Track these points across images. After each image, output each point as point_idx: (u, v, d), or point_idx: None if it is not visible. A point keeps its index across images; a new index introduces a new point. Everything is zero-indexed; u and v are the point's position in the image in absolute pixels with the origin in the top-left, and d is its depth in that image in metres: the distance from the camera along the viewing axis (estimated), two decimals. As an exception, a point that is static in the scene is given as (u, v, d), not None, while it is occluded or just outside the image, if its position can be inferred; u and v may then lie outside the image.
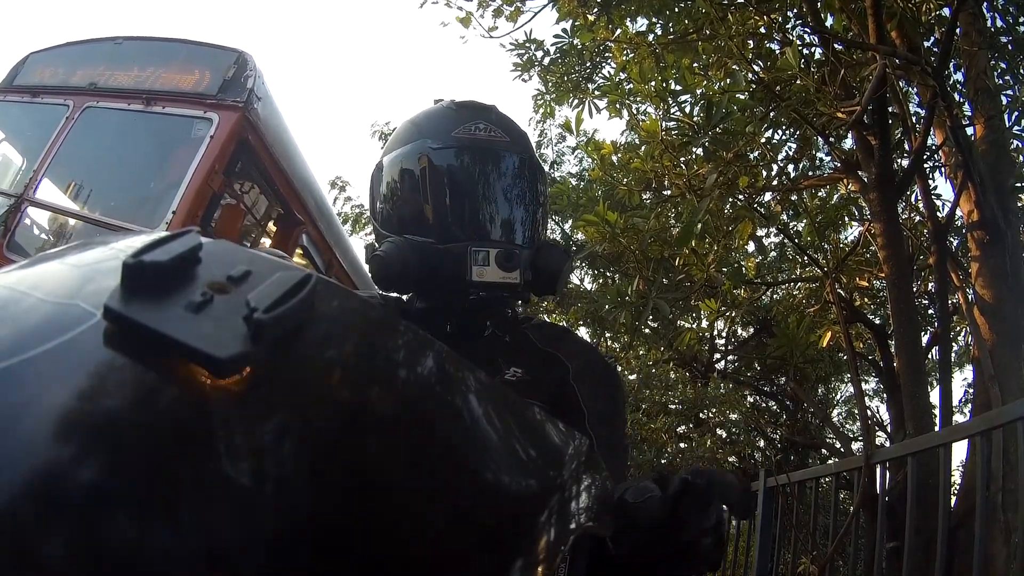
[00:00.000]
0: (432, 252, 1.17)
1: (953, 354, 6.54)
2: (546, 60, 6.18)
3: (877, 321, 6.20)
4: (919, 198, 5.34)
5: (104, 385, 0.41)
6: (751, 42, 5.24)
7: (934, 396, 4.63)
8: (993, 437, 2.63)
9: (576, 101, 5.97)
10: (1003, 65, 4.99)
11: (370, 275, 1.27)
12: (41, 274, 0.52)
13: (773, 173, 5.86)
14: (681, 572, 0.82)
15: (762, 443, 9.86)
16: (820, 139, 5.44)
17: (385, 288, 1.24)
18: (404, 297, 1.30)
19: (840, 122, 4.52)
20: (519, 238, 1.23)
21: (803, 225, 6.62)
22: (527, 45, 6.13)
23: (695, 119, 4.42)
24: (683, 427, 9.54)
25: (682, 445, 9.25)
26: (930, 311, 6.75)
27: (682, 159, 4.89)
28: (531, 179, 1.27)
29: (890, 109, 4.61)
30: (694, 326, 7.92)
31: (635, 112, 5.62)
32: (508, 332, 1.25)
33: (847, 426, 11.68)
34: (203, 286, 0.45)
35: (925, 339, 5.45)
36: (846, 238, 6.93)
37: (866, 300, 7.02)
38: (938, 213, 5.02)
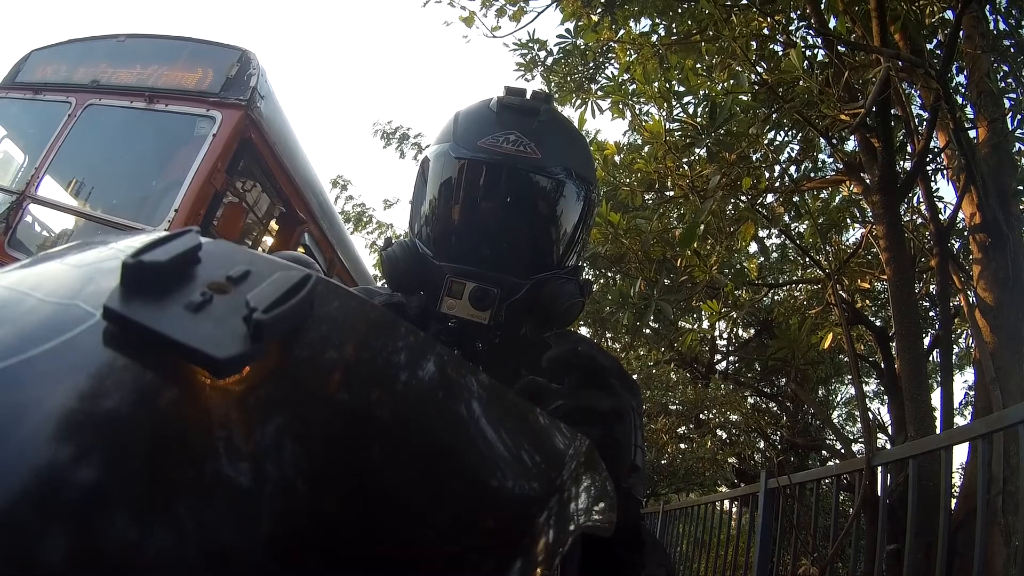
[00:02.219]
0: (427, 265, 1.15)
1: (954, 356, 6.55)
2: (549, 60, 6.18)
3: (878, 323, 6.21)
4: (921, 200, 5.35)
5: (104, 385, 0.41)
6: (755, 44, 5.24)
7: (935, 398, 4.65)
8: (994, 440, 2.63)
9: (579, 101, 5.97)
10: (1006, 68, 4.99)
11: (381, 270, 1.25)
12: (41, 274, 0.51)
13: (776, 175, 5.86)
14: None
15: (762, 444, 9.87)
16: (823, 141, 5.44)
17: (391, 287, 1.22)
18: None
19: (843, 124, 4.52)
20: (519, 268, 1.14)
21: (805, 227, 6.64)
22: (530, 45, 6.14)
23: (698, 120, 4.42)
24: (683, 428, 9.55)
25: (682, 446, 9.27)
26: (932, 313, 6.76)
27: (685, 160, 4.90)
28: (555, 201, 1.17)
29: (893, 111, 4.61)
30: (695, 327, 7.91)
31: (638, 113, 5.61)
32: (530, 342, 1.19)
33: (848, 428, 11.72)
34: (203, 286, 0.45)
35: (926, 341, 5.46)
36: (848, 240, 6.96)
37: (868, 302, 7.03)
38: (940, 216, 5.02)
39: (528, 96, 1.23)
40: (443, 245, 1.17)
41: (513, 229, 1.15)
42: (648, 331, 7.93)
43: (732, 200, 5.08)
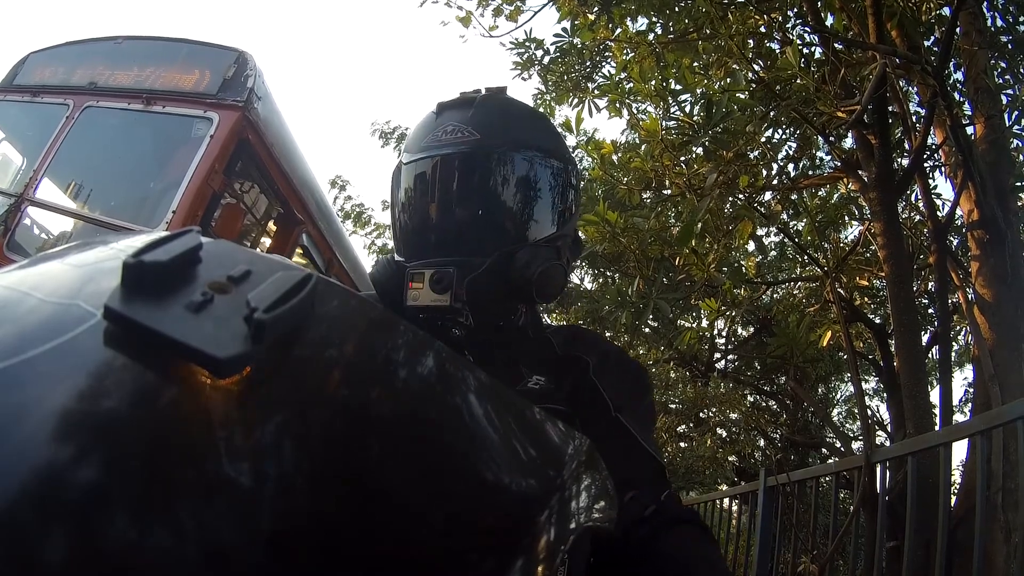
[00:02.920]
0: (403, 271, 1.15)
1: (953, 353, 6.55)
2: (546, 59, 6.17)
3: (877, 320, 6.20)
4: (919, 197, 5.35)
5: (104, 385, 0.41)
6: (751, 41, 5.24)
7: (934, 395, 4.64)
8: (993, 436, 2.63)
9: (576, 100, 5.96)
10: (1003, 64, 4.99)
11: None
12: (41, 274, 0.51)
13: (773, 172, 5.87)
14: None
15: (762, 442, 9.88)
16: (820, 138, 5.44)
17: (383, 303, 1.20)
18: None
19: (840, 121, 4.52)
20: (482, 249, 1.13)
21: (803, 224, 6.63)
22: (527, 44, 6.13)
23: (695, 118, 4.42)
24: (683, 427, 9.55)
25: (682, 444, 9.28)
26: (930, 310, 6.76)
27: (682, 158, 4.90)
28: (503, 177, 1.16)
29: (890, 108, 4.61)
30: (694, 325, 7.92)
31: (635, 111, 5.62)
32: (527, 341, 1.21)
33: (847, 425, 11.73)
34: (203, 286, 0.45)
35: (925, 338, 5.46)
36: (846, 237, 6.95)
37: (866, 299, 7.03)
38: (938, 212, 5.02)
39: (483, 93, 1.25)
40: (410, 249, 1.19)
41: (462, 212, 1.15)
42: (647, 330, 7.94)
43: (729, 198, 5.08)
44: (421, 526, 0.47)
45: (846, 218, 6.42)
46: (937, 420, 4.40)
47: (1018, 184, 4.75)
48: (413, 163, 1.18)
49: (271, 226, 5.01)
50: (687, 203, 4.76)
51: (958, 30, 4.30)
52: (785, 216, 6.65)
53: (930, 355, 5.51)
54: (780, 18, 5.27)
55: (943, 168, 5.28)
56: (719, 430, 9.62)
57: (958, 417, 6.20)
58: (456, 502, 0.50)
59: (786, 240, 7.19)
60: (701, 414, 9.53)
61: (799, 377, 7.95)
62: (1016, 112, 4.71)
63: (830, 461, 6.13)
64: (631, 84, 5.09)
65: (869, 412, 7.92)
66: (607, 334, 8.30)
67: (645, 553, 0.94)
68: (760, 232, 7.18)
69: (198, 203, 3.70)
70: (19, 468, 0.35)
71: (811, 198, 6.66)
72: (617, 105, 5.58)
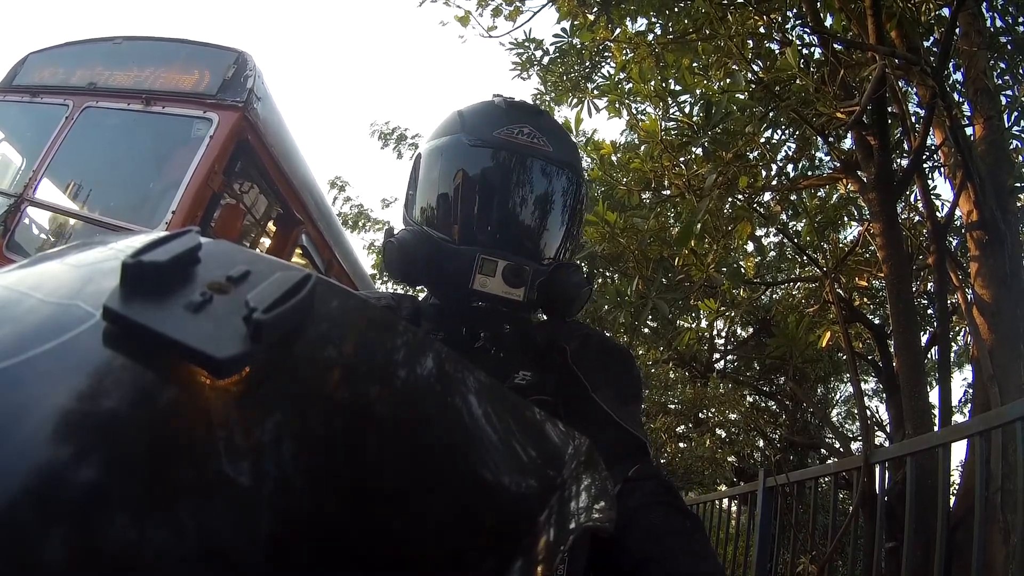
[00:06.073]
0: (445, 250, 1.16)
1: (952, 354, 6.56)
2: (545, 59, 6.18)
3: (876, 321, 6.21)
4: (918, 198, 5.36)
5: (103, 385, 0.41)
6: (751, 42, 5.24)
7: (933, 396, 4.64)
8: (992, 437, 2.63)
9: (575, 100, 5.96)
10: (1002, 65, 5.00)
11: (384, 260, 1.25)
12: (40, 274, 0.51)
13: (772, 173, 5.86)
14: None
15: (761, 443, 9.88)
16: (819, 139, 5.45)
17: (392, 275, 1.24)
18: (420, 296, 1.30)
19: (839, 122, 4.52)
20: (536, 254, 1.20)
21: (802, 225, 6.64)
22: (526, 44, 6.14)
23: (694, 119, 4.42)
24: (682, 427, 9.56)
25: (681, 445, 9.27)
26: (929, 311, 6.76)
27: (681, 159, 4.89)
28: (566, 194, 1.22)
29: (889, 109, 4.61)
30: (693, 326, 7.91)
31: (634, 112, 5.62)
32: (513, 338, 1.21)
33: (846, 426, 11.72)
34: (202, 286, 0.45)
35: (924, 339, 5.47)
36: (845, 238, 6.96)
37: (865, 300, 7.03)
38: (937, 213, 5.03)
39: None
40: (463, 229, 1.19)
41: (527, 216, 1.20)
42: (646, 330, 7.94)
43: (729, 199, 5.08)
44: (421, 526, 0.46)
45: (845, 219, 6.42)
46: (936, 421, 4.40)
47: (1017, 185, 4.76)
48: (484, 148, 1.18)
49: (271, 226, 5.01)
50: (686, 204, 4.76)
51: (957, 31, 4.31)
52: (784, 217, 6.66)
53: (929, 356, 5.52)
54: (779, 19, 5.28)
55: (942, 169, 5.29)
56: (718, 430, 9.62)
57: (957, 418, 6.19)
58: (456, 502, 0.50)
59: (785, 241, 7.19)
60: (700, 415, 9.53)
61: (798, 378, 7.96)
62: (1015, 113, 4.72)
63: (829, 462, 6.14)
64: (630, 84, 5.10)
65: (868, 413, 7.92)
66: (606, 334, 8.30)
67: (610, 551, 0.92)
68: (759, 233, 7.17)
69: (198, 204, 3.69)
70: (19, 468, 0.35)
71: (810, 199, 6.66)
72: (616, 105, 5.58)
